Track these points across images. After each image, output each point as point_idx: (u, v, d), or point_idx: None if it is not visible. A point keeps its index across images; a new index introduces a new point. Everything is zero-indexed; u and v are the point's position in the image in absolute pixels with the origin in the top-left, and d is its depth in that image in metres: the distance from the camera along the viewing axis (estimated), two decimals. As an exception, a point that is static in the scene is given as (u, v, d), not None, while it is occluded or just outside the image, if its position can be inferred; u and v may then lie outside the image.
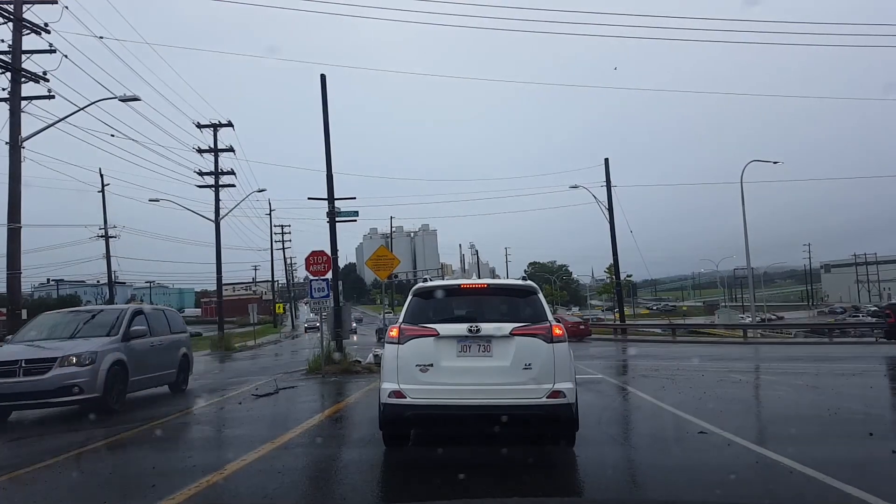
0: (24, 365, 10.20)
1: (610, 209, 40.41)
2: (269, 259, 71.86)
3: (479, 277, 29.99)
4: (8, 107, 20.13)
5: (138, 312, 12.78)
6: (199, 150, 37.87)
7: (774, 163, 37.30)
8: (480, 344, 6.16)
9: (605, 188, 40.63)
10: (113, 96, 21.16)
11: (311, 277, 17.41)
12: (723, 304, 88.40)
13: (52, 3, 20.77)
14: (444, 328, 6.25)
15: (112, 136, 30.55)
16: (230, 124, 38.12)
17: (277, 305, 68.75)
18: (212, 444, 8.56)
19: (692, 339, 34.55)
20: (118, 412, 10.73)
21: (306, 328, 62.16)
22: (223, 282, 40.54)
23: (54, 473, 6.64)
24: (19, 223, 20.06)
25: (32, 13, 20.66)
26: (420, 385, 6.11)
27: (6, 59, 20.14)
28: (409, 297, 6.81)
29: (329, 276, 17.66)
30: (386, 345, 6.64)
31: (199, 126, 37.33)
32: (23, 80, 20.34)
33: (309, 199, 24.03)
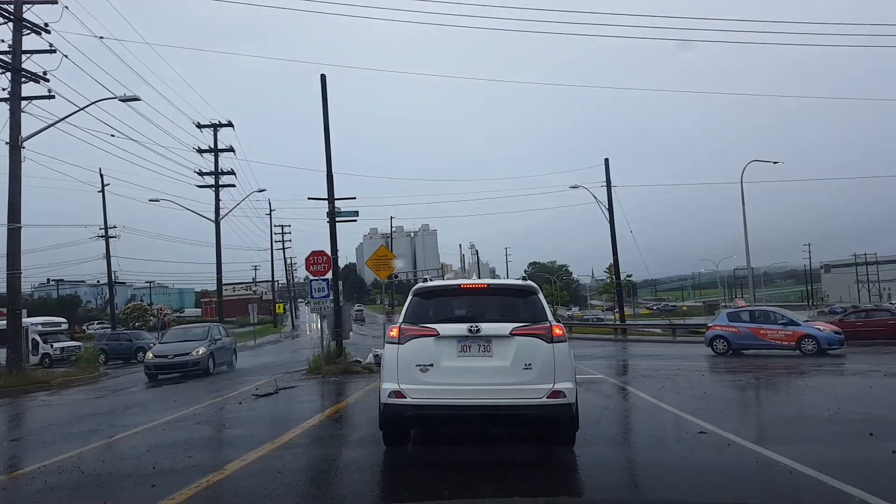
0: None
1: (610, 209, 40.40)
2: (270, 259, 71.91)
3: (479, 277, 29.85)
4: (8, 107, 20.14)
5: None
6: (200, 150, 37.88)
7: (774, 163, 37.23)
8: (480, 344, 6.16)
9: (605, 188, 40.63)
10: (113, 96, 21.16)
11: (312, 277, 17.41)
12: (723, 304, 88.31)
13: (53, 3, 20.77)
14: (444, 328, 6.24)
15: (112, 136, 30.49)
16: (230, 124, 38.13)
17: (277, 305, 68.73)
18: (212, 443, 8.56)
19: (692, 339, 34.45)
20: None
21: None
22: (223, 282, 40.55)
23: (55, 473, 6.64)
24: (19, 223, 20.06)
25: (32, 13, 20.69)
26: (420, 385, 6.11)
27: (6, 59, 20.14)
28: (409, 297, 6.81)
29: (329, 276, 17.65)
30: (386, 345, 6.64)
31: (200, 126, 37.34)
32: (23, 80, 20.35)
33: (309, 199, 23.99)
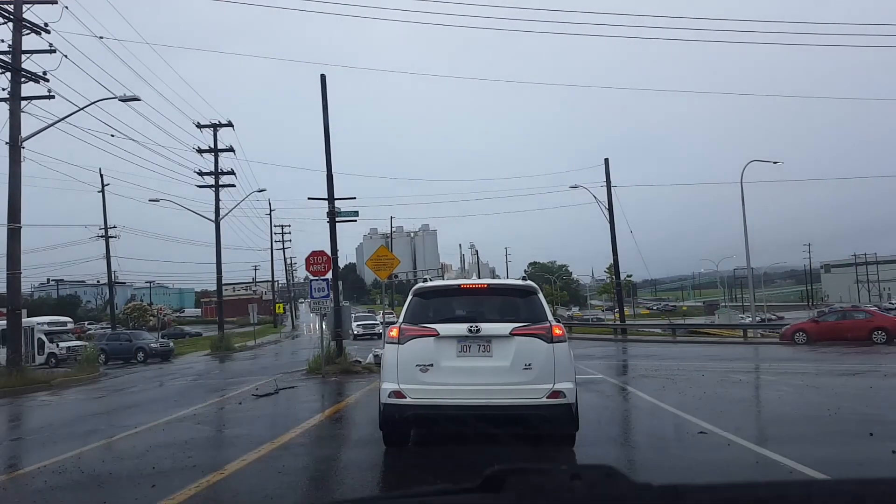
0: None
1: (610, 209, 40.38)
2: (270, 259, 71.92)
3: (479, 277, 29.87)
4: (8, 107, 20.14)
5: None
6: (200, 150, 37.82)
7: (774, 163, 37.22)
8: (480, 344, 6.16)
9: (605, 188, 40.62)
10: (113, 96, 21.15)
11: (312, 277, 17.41)
12: (723, 304, 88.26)
13: (52, 3, 20.77)
14: (444, 328, 6.24)
15: (112, 136, 30.40)
16: (230, 124, 38.08)
17: (277, 305, 68.68)
18: (212, 444, 8.56)
19: (692, 339, 34.48)
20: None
21: None
22: (223, 282, 40.51)
23: (55, 473, 6.64)
24: (19, 223, 20.05)
25: (32, 13, 20.68)
26: (420, 385, 6.11)
27: (6, 59, 20.14)
28: (409, 297, 6.81)
29: (329, 276, 17.65)
30: (386, 345, 6.65)
31: (199, 126, 37.27)
32: (23, 80, 20.33)
33: (309, 199, 24.02)
